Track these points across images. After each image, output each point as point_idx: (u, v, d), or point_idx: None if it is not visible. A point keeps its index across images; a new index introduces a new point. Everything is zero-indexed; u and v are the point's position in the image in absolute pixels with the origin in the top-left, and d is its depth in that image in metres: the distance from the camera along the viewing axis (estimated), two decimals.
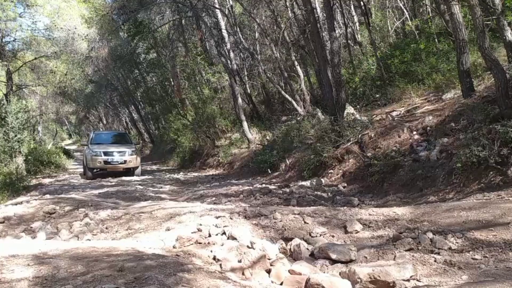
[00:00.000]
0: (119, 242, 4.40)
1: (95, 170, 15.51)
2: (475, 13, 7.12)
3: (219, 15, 17.24)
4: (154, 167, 21.48)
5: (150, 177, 15.22)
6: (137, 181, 13.43)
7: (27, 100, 23.81)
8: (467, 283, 2.84)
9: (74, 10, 21.60)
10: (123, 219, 5.57)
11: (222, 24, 17.22)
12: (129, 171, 15.66)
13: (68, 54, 23.03)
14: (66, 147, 36.36)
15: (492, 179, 5.99)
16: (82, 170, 17.51)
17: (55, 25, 20.12)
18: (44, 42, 22.06)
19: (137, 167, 15.77)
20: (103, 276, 2.83)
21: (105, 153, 15.20)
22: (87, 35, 21.94)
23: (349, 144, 9.52)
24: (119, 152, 15.38)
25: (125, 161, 15.30)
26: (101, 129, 38.49)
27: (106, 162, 15.13)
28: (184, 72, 22.95)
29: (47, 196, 9.93)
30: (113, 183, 12.74)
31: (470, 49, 9.35)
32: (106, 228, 5.36)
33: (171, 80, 24.43)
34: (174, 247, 4.08)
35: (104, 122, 43.25)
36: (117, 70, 26.04)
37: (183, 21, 22.39)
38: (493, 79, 7.43)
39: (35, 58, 22.14)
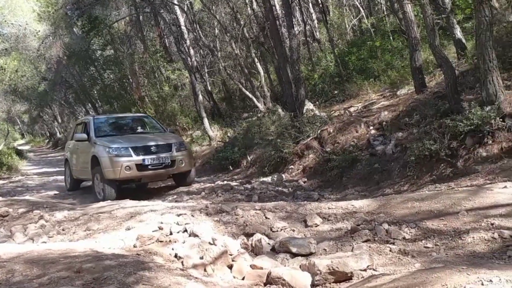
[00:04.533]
0: (76, 244, 4.29)
1: (118, 182, 8.41)
2: (426, 11, 7.44)
3: (178, 12, 17.01)
4: None
5: None
6: None
7: None
8: (419, 270, 2.98)
9: (25, 5, 20.80)
10: (81, 220, 5.42)
11: (181, 20, 17.01)
12: (177, 179, 9.37)
13: (19, 51, 22.15)
14: (19, 148, 34.97)
15: (443, 171, 6.29)
16: (64, 180, 10.95)
17: (5, 21, 19.30)
18: None
19: (189, 171, 9.20)
20: (60, 278, 2.77)
21: (136, 150, 8.31)
22: (39, 31, 21.14)
23: (308, 139, 9.68)
24: (160, 146, 8.60)
25: (172, 162, 8.57)
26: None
27: (140, 167, 8.23)
28: (143, 69, 22.50)
29: None
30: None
31: (422, 47, 9.73)
32: (63, 229, 5.19)
33: (129, 77, 23.88)
34: (134, 246, 4.03)
35: (59, 121, 41.77)
36: (72, 67, 25.16)
37: (140, 17, 21.94)
38: (443, 75, 7.78)
39: None
